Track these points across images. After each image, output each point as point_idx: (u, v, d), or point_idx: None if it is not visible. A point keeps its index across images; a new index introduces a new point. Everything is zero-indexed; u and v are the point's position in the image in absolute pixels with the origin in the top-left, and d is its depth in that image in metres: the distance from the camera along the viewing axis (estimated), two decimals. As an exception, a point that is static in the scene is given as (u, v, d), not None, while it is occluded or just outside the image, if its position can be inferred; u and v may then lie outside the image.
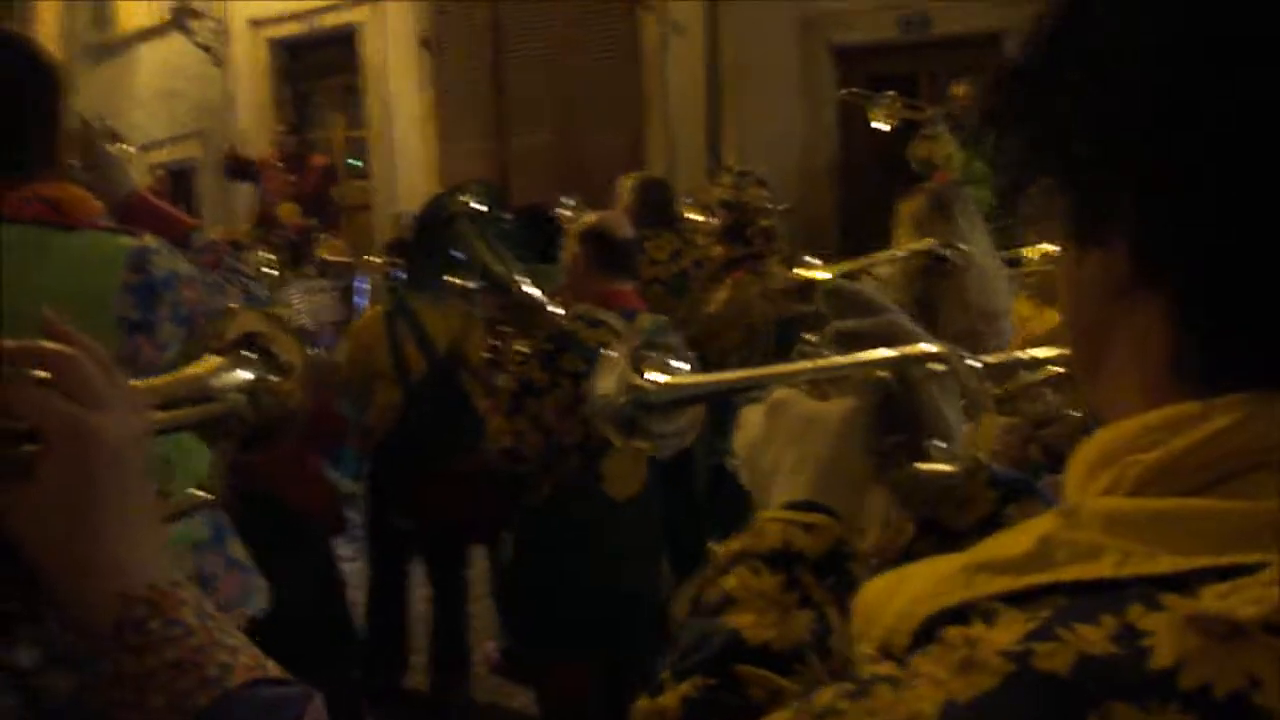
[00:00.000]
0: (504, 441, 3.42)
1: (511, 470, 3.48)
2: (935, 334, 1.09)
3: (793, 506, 0.98)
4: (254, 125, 12.36)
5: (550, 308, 3.47)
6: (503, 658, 4.85)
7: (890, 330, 1.07)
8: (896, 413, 1.03)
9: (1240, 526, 0.58)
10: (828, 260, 5.14)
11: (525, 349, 3.51)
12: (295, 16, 11.91)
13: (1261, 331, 0.62)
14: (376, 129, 11.52)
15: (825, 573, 0.93)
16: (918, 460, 1.03)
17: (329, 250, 8.00)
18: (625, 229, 3.80)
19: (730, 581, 0.94)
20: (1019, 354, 1.24)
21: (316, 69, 12.35)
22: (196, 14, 11.93)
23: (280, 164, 10.51)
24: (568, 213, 6.34)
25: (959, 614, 0.60)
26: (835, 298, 1.11)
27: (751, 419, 1.07)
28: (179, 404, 0.96)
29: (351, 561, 5.13)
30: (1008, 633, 0.57)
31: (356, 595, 4.72)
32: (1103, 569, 0.58)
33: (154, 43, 13.29)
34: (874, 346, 1.05)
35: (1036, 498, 1.05)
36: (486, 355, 3.62)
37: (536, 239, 5.04)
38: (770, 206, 6.77)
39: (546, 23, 10.38)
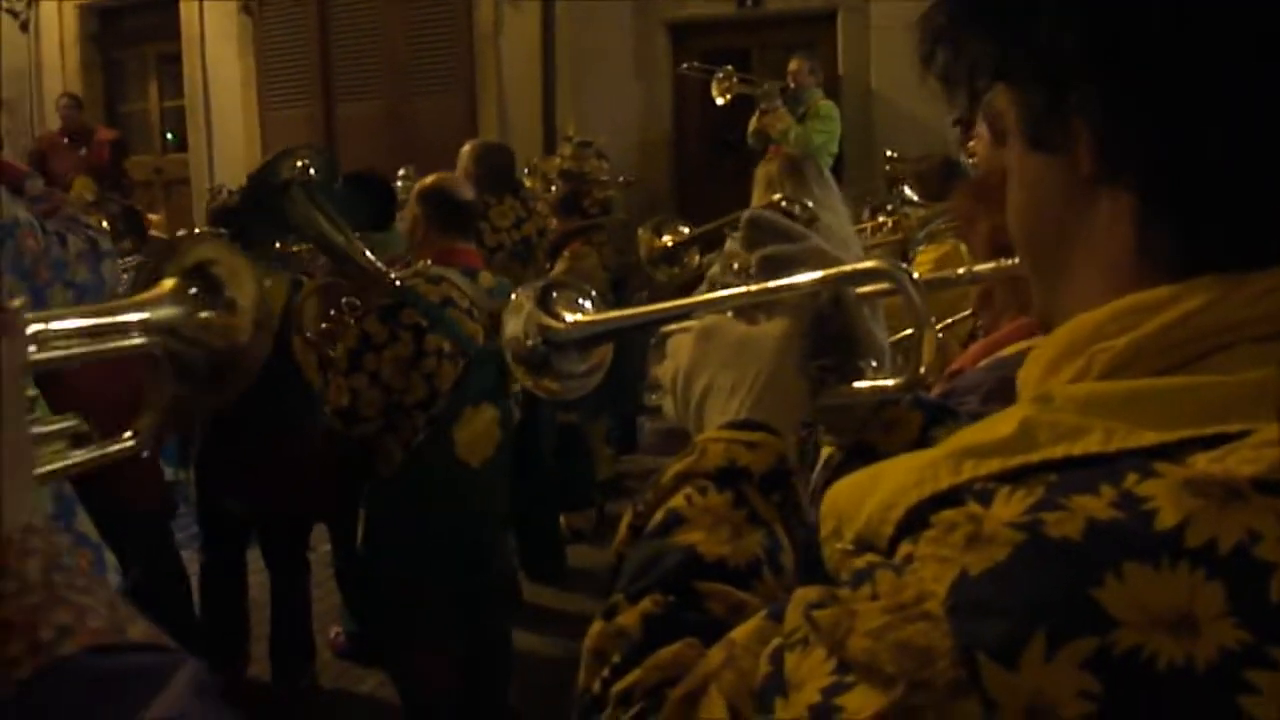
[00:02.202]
0: (341, 401, 3.27)
1: (349, 431, 3.33)
2: None
3: (733, 426, 0.97)
4: (61, 94, 11.66)
5: (391, 275, 3.34)
6: (348, 641, 4.70)
7: (815, 255, 1.06)
8: (826, 335, 1.03)
9: (1218, 399, 0.60)
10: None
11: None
12: (107, -21, 11.30)
13: (1227, 215, 0.65)
14: (195, 98, 11.01)
15: (771, 490, 0.92)
16: (849, 381, 1.03)
17: (146, 225, 7.63)
18: (465, 189, 3.76)
19: (677, 502, 0.92)
20: (957, 270, 1.23)
21: (130, 35, 11.74)
22: (3, -24, 11.18)
23: (65, 139, 9.91)
24: (403, 183, 6.22)
25: (949, 498, 0.61)
26: (754, 227, 1.10)
27: (680, 346, 1.06)
28: (96, 336, 0.83)
29: (184, 549, 4.87)
30: (1009, 508, 0.58)
31: (191, 584, 4.49)
32: (1090, 444, 0.60)
33: (-44, 7, 12.44)
34: (801, 269, 1.04)
35: (962, 420, 1.06)
36: (324, 326, 3.46)
37: (369, 205, 4.89)
38: (607, 179, 6.78)
39: (374, -11, 10.11)
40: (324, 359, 3.58)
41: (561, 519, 5.81)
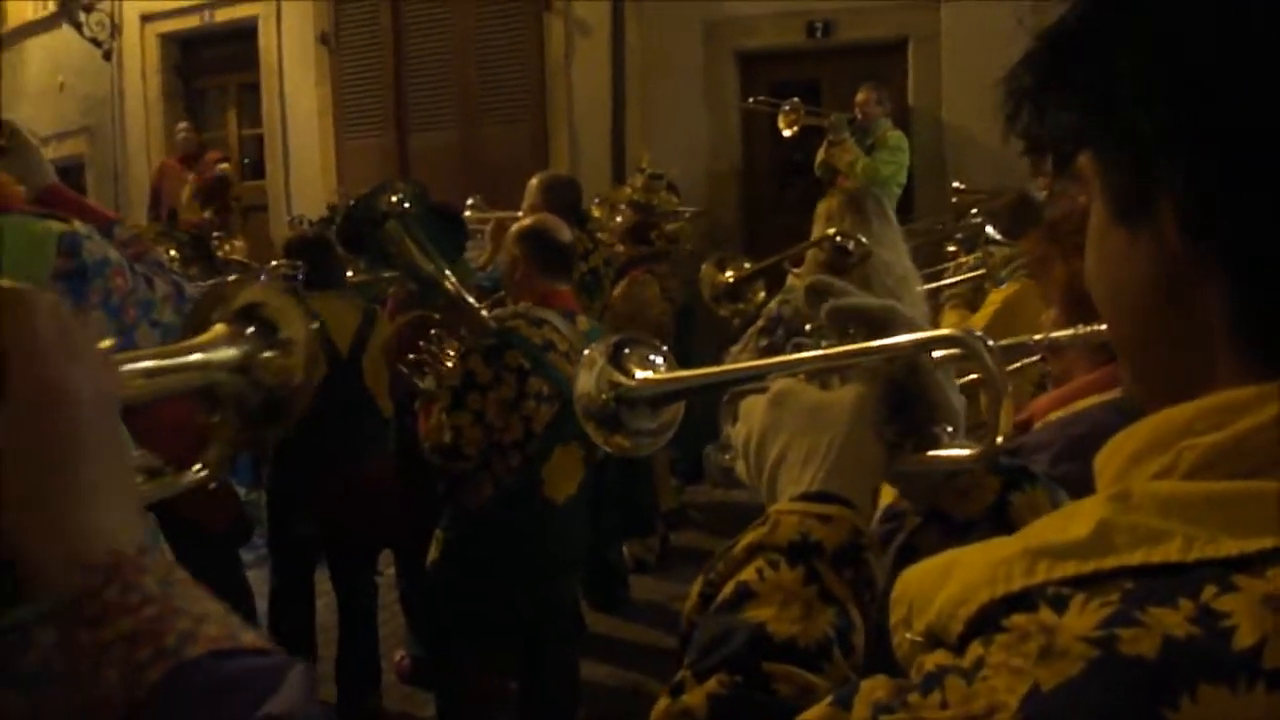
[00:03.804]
0: (443, 438, 3.34)
1: (446, 467, 3.40)
2: None
3: (806, 498, 0.95)
4: (143, 122, 12.00)
5: (481, 310, 3.41)
6: (413, 665, 4.76)
7: (890, 316, 1.05)
8: (901, 400, 1.01)
9: None
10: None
11: (455, 349, 3.45)
12: (189, 10, 11.58)
13: None
14: (272, 127, 11.26)
15: (843, 565, 0.90)
16: (924, 448, 1.01)
17: (227, 250, 7.80)
18: (564, 231, 3.79)
19: (748, 575, 0.90)
20: (1034, 336, 1.22)
21: (210, 65, 12.03)
22: (86, 7, 11.53)
23: (179, 163, 10.34)
24: (471, 214, 6.29)
25: (1022, 600, 0.60)
26: (817, 293, 1.09)
27: (753, 410, 1.05)
28: (164, 374, 0.88)
29: (252, 569, 4.96)
30: (1083, 619, 0.57)
31: (260, 604, 4.57)
32: (1169, 552, 0.58)
33: (42, 36, 12.84)
34: (875, 329, 1.03)
35: (1039, 484, 1.03)
36: (412, 357, 3.53)
37: (443, 236, 4.97)
38: (679, 210, 6.79)
39: (449, 21, 10.25)
40: (412, 390, 3.65)
41: (625, 549, 5.83)
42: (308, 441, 4.42)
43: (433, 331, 3.53)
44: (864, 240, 3.52)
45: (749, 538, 0.93)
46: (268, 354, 0.96)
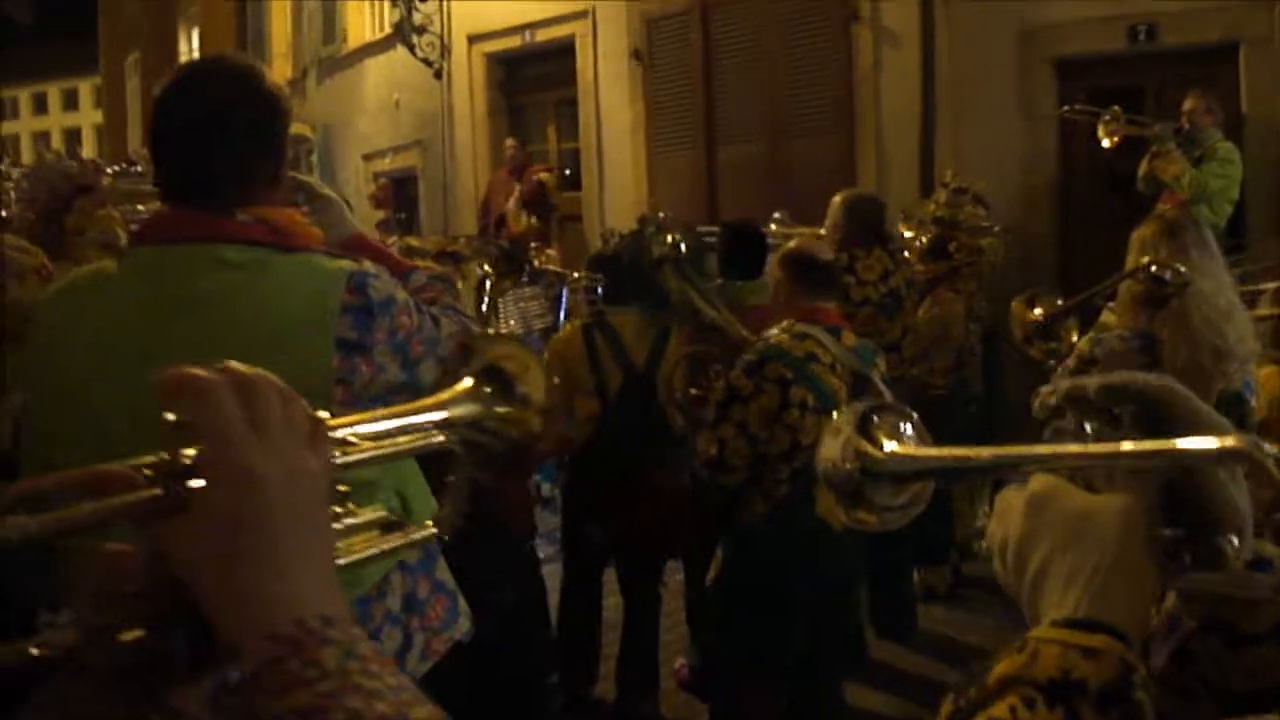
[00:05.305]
0: (710, 450, 3.39)
1: (716, 481, 3.45)
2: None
3: (1070, 625, 0.86)
4: (470, 136, 12.76)
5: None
6: (691, 674, 4.83)
7: (1167, 397, 0.96)
8: (1175, 502, 0.91)
9: None
10: (1045, 285, 4.89)
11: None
12: (511, 31, 12.25)
13: None
14: (588, 140, 11.70)
15: (1109, 705, 0.82)
16: (1204, 555, 0.90)
17: (543, 259, 8.18)
18: (824, 251, 3.85)
19: (1001, 712, 0.83)
20: None
21: (531, 82, 12.67)
22: (419, 29, 12.41)
23: (508, 175, 11.01)
24: (775, 228, 6.31)
25: None
26: (1074, 400, 1.01)
27: (1011, 506, 0.96)
28: (399, 434, 0.94)
29: (546, 565, 5.17)
30: None
31: (551, 598, 4.77)
32: None
33: (379, 56, 13.90)
34: (1150, 410, 0.95)
35: None
36: (694, 391, 3.62)
37: (743, 254, 5.04)
38: (986, 225, 6.56)
39: (757, 35, 10.32)
40: (695, 420, 3.73)
41: (916, 576, 5.70)
42: (601, 451, 4.62)
43: (712, 368, 3.60)
44: (1182, 270, 3.28)
45: (1004, 666, 0.86)
46: (504, 409, 1.01)
